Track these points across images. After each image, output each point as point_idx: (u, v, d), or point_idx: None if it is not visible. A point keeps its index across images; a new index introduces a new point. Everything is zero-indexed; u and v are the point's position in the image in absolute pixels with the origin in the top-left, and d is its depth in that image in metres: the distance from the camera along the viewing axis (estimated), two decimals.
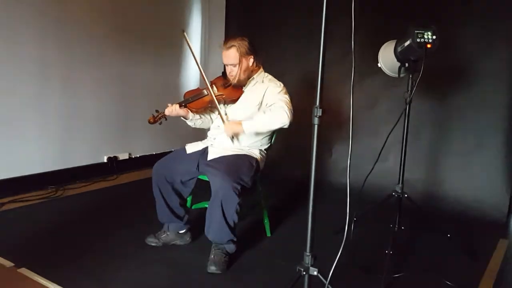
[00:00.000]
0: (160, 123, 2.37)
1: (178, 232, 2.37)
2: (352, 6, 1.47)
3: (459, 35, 3.23)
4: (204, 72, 2.33)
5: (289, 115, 2.15)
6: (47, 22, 3.27)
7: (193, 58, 2.37)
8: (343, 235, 1.51)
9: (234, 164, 2.15)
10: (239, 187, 2.03)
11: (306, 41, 3.91)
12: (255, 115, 2.26)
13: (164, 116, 2.36)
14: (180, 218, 2.33)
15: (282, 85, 2.35)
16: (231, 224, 2.07)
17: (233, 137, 2.28)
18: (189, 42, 2.36)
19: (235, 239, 2.14)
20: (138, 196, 3.29)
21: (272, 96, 2.28)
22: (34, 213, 2.83)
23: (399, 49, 2.24)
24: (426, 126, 3.41)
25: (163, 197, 2.27)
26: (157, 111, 2.37)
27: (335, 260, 1.51)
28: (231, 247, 2.17)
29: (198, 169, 2.27)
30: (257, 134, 2.33)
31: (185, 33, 2.39)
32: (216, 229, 2.09)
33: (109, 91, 3.85)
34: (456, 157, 3.31)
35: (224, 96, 2.35)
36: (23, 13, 3.10)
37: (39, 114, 3.30)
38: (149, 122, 2.36)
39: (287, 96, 2.28)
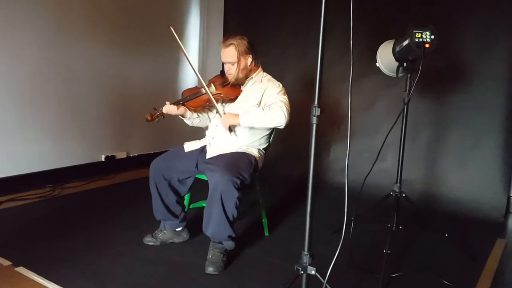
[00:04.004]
0: (158, 121, 2.37)
1: (175, 230, 2.37)
2: (350, 6, 1.47)
3: (457, 35, 3.23)
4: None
5: (287, 116, 2.15)
6: (45, 20, 3.26)
7: (184, 56, 2.29)
8: (341, 235, 1.51)
9: (233, 160, 2.15)
10: (238, 182, 2.03)
11: (305, 40, 3.91)
12: (253, 109, 2.26)
13: (162, 114, 2.36)
14: (175, 216, 2.33)
15: (281, 85, 2.35)
16: (231, 218, 2.05)
17: (231, 130, 2.25)
18: (177, 37, 2.29)
19: (234, 235, 2.12)
20: (135, 195, 3.28)
21: (271, 96, 2.28)
22: (32, 211, 2.82)
23: (397, 48, 2.23)
24: (424, 126, 3.42)
25: (159, 193, 2.27)
26: (154, 109, 2.37)
27: (333, 259, 1.51)
28: (229, 244, 2.15)
29: (197, 168, 2.27)
30: (251, 129, 2.31)
31: (171, 28, 2.26)
32: (215, 225, 2.06)
33: (107, 90, 3.84)
34: (454, 157, 3.31)
35: (222, 95, 2.34)
36: (21, 12, 3.09)
37: (36, 113, 3.29)
38: (147, 120, 2.37)
39: (286, 97, 2.28)
